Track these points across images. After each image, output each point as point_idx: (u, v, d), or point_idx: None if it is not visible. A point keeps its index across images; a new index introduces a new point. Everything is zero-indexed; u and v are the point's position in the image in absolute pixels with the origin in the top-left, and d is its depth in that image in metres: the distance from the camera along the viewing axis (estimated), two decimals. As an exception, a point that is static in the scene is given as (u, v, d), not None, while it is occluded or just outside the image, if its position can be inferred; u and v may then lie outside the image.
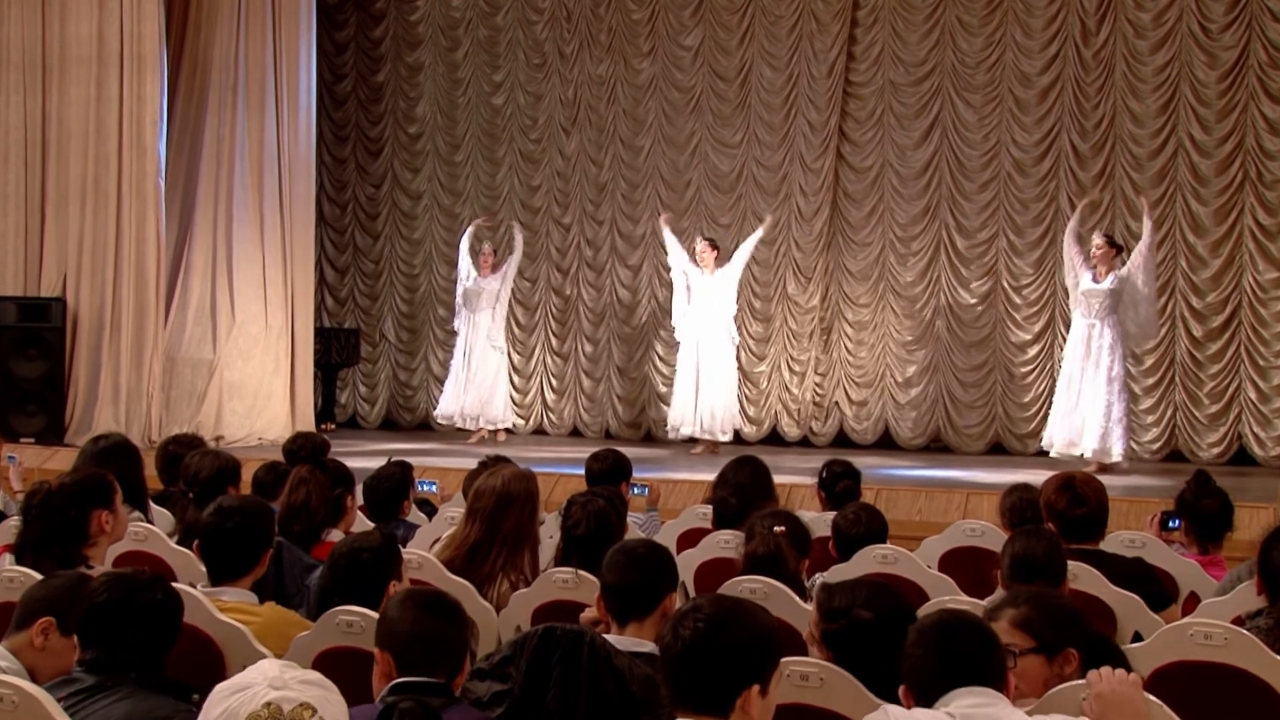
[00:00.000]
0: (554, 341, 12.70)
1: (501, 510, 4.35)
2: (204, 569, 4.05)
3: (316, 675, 2.31)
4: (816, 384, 11.82)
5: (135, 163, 10.29)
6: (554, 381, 12.69)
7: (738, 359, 11.06)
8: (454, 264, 13.03)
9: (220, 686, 2.22)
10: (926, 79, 11.47)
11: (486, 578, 4.29)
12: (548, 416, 12.67)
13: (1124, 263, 9.35)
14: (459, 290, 11.51)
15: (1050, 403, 10.97)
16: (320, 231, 13.27)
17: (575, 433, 12.51)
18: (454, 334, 13.09)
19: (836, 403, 11.77)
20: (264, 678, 2.20)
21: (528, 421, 12.70)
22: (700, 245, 10.65)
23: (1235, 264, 10.70)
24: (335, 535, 4.71)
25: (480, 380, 11.31)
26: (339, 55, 13.35)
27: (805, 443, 11.73)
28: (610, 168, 12.44)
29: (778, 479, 5.86)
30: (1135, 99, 10.92)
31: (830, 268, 11.79)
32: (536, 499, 4.50)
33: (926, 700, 2.59)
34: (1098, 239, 9.51)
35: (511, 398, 12.00)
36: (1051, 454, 9.50)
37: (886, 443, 11.55)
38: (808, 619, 3.33)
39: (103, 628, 2.94)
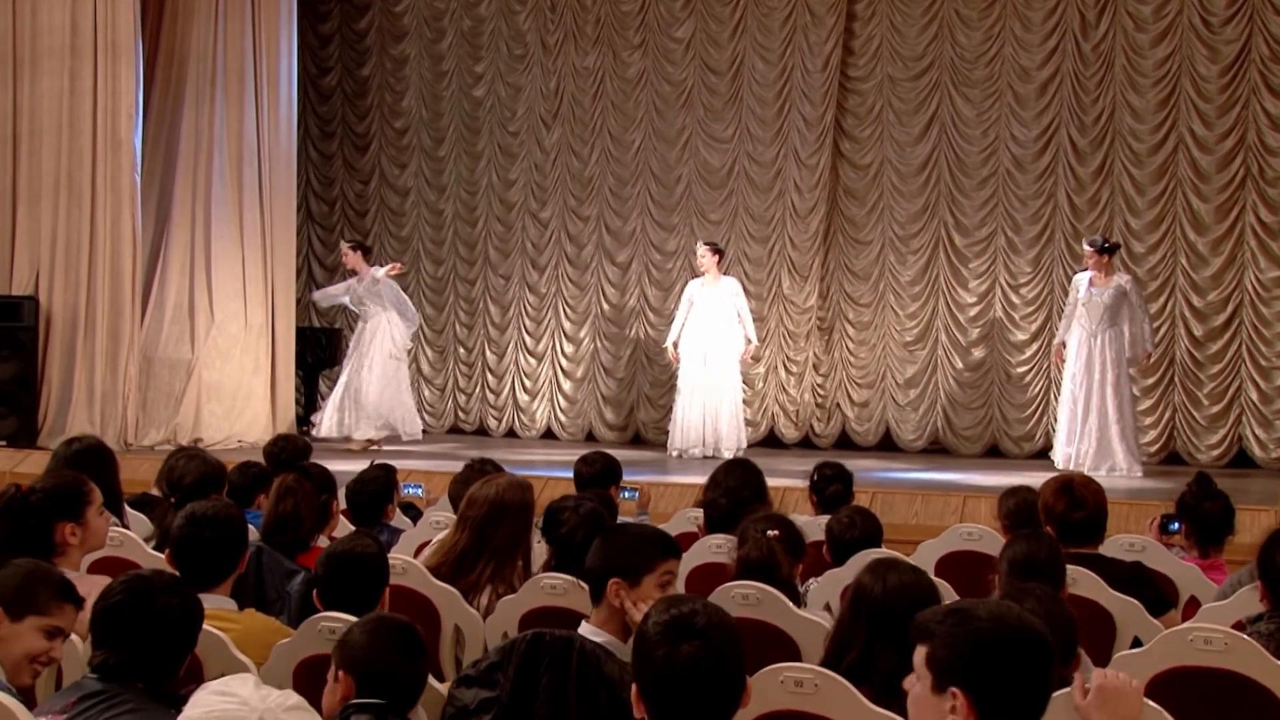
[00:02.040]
0: (528, 340, 12.69)
1: (493, 520, 4.32)
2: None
3: (296, 699, 2.34)
4: (817, 385, 11.84)
5: (110, 157, 10.23)
6: (526, 382, 12.69)
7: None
8: (439, 261, 13.06)
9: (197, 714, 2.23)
10: (925, 74, 11.50)
11: (472, 587, 4.28)
12: (519, 418, 12.66)
13: (1119, 269, 9.51)
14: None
15: (1046, 406, 11.06)
16: (308, 230, 13.27)
17: (549, 434, 12.50)
18: (439, 334, 13.13)
19: (838, 404, 11.80)
20: (252, 709, 2.22)
21: (500, 423, 12.71)
22: (701, 250, 10.60)
23: (1236, 262, 10.75)
24: (322, 542, 4.71)
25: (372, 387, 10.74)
26: (323, 48, 13.34)
27: (806, 444, 11.75)
28: (597, 162, 12.45)
29: (773, 482, 5.87)
30: (1135, 93, 10.96)
31: (831, 267, 11.81)
32: (531, 510, 4.45)
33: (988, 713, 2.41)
34: (1086, 246, 9.62)
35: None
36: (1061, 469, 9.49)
37: (887, 444, 11.59)
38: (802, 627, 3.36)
39: (115, 629, 2.93)
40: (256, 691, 2.32)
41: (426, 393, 13.02)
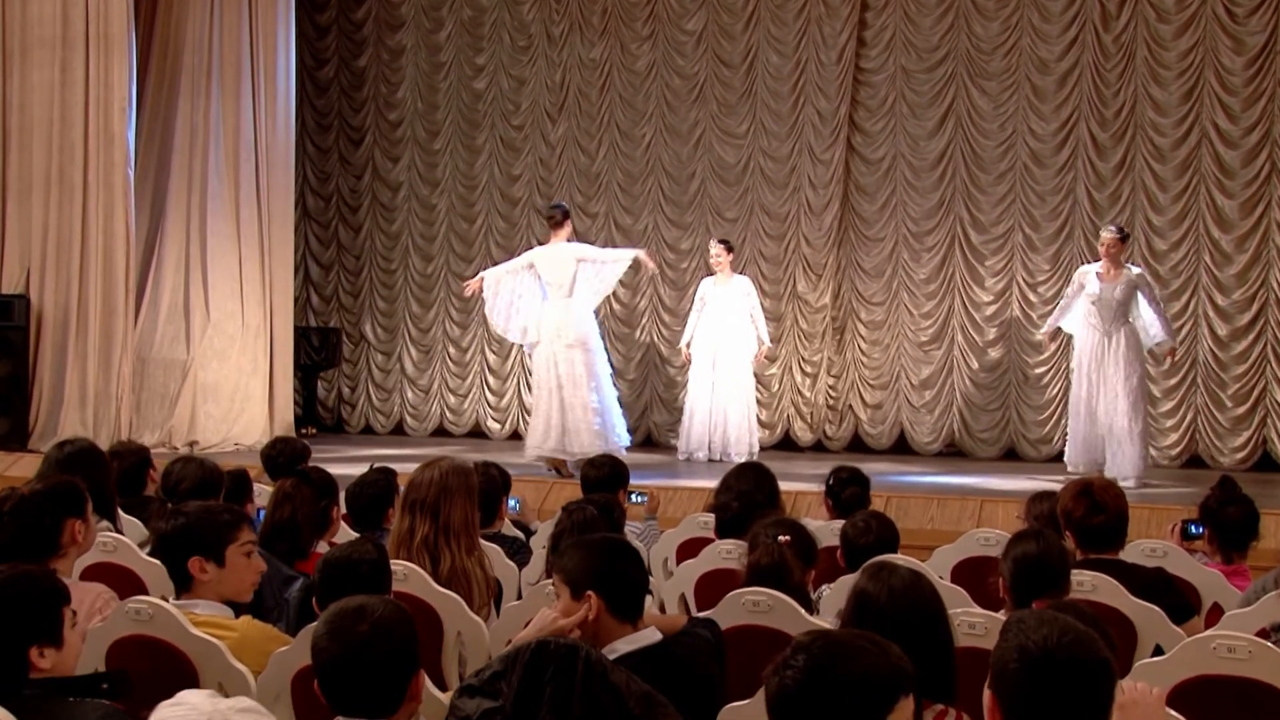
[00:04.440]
0: (532, 340, 12.69)
1: (445, 498, 4.46)
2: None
3: (249, 702, 2.35)
4: (830, 386, 11.84)
5: (103, 151, 10.25)
6: (531, 383, 12.66)
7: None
8: (429, 257, 13.04)
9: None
10: (940, 65, 11.50)
11: (459, 574, 4.38)
12: (524, 419, 12.64)
13: (1125, 262, 9.24)
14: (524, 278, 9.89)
15: (1065, 408, 11.06)
16: (305, 226, 13.29)
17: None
18: (425, 333, 13.08)
19: (850, 405, 11.80)
20: (201, 712, 2.24)
21: (503, 426, 12.70)
22: (715, 249, 10.53)
23: (1262, 259, 10.73)
24: (322, 548, 4.73)
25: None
26: (320, 39, 13.36)
27: (819, 447, 11.74)
28: (606, 158, 12.45)
29: (787, 485, 5.88)
30: (1157, 86, 10.95)
31: (842, 264, 11.81)
32: (476, 493, 4.60)
33: None
34: (1109, 232, 9.26)
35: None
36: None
37: (902, 447, 11.59)
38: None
39: None
40: (209, 700, 2.34)
41: (410, 394, 13.02)
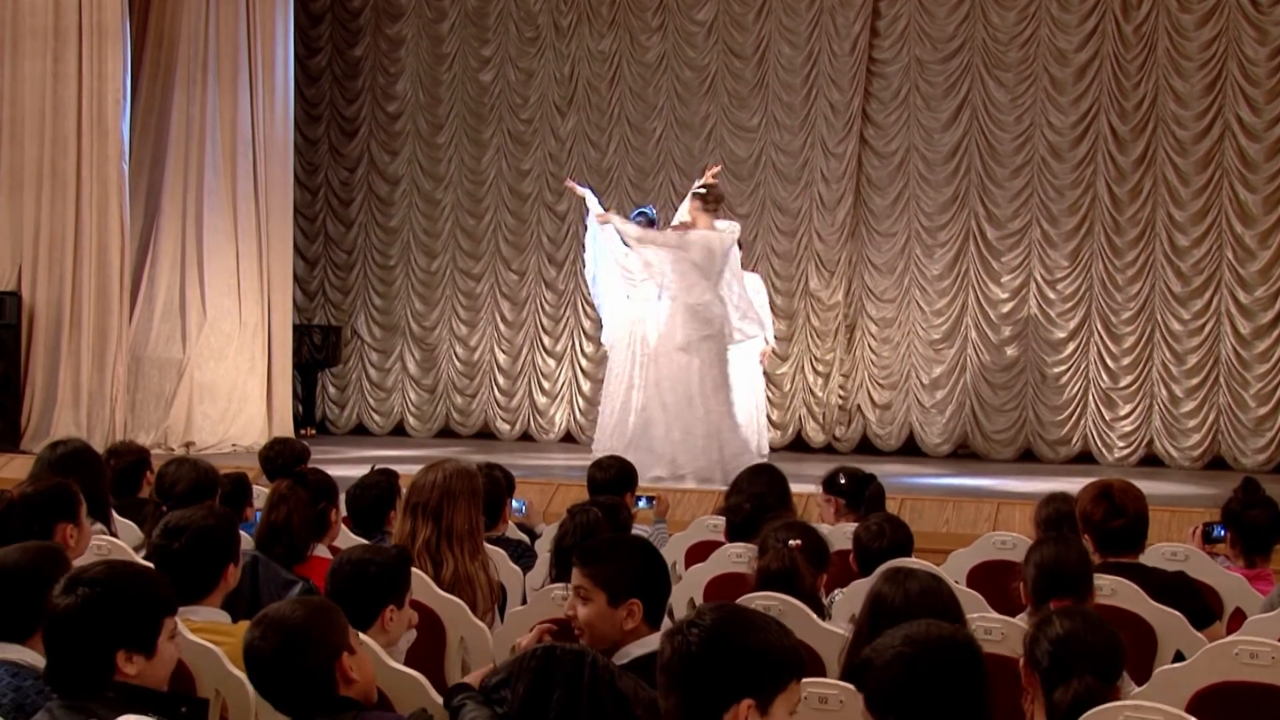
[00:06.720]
0: (545, 340, 12.70)
1: (449, 503, 4.45)
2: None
3: None
4: (840, 385, 11.84)
5: (96, 145, 10.26)
6: (544, 383, 12.68)
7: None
8: (433, 254, 13.02)
9: None
10: (955, 56, 11.50)
11: (463, 579, 4.38)
12: (535, 420, 12.66)
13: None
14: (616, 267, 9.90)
15: (1084, 408, 11.07)
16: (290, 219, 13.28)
17: (568, 438, 12.50)
18: (430, 331, 13.06)
19: (859, 406, 11.79)
20: None
21: (513, 427, 12.71)
22: None
23: (1287, 256, 10.73)
24: (320, 550, 4.74)
25: None
26: (314, 27, 13.35)
27: (828, 449, 11.73)
28: (616, 152, 12.45)
29: (799, 488, 5.88)
30: (1179, 77, 10.94)
31: (853, 260, 11.80)
32: (481, 497, 4.59)
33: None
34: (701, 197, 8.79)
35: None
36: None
37: (911, 449, 11.59)
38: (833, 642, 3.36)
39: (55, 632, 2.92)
40: None
41: (413, 394, 13.03)
